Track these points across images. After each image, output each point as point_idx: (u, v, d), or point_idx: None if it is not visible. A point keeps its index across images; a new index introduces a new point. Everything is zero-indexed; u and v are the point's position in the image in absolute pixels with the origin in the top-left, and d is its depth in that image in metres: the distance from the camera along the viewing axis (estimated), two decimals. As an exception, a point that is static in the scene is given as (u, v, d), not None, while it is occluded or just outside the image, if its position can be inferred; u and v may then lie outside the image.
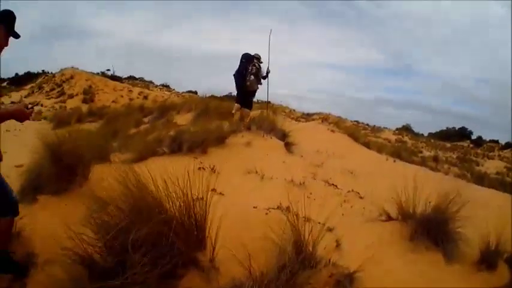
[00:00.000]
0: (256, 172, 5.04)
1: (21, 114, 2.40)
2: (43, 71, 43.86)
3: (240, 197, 4.01)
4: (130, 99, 30.95)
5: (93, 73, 35.52)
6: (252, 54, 8.23)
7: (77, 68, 34.07)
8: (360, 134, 12.87)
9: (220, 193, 3.97)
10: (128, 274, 2.05)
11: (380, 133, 25.79)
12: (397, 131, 29.34)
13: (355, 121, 29.30)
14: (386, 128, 29.41)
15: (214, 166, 4.86)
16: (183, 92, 55.18)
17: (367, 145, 10.93)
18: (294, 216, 3.27)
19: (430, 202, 3.26)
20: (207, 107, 10.78)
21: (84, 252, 2.21)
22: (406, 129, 33.31)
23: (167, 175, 2.59)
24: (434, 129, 38.29)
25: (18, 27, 2.49)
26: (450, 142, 29.24)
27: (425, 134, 36.67)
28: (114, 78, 38.36)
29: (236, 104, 8.59)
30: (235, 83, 8.39)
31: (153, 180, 2.52)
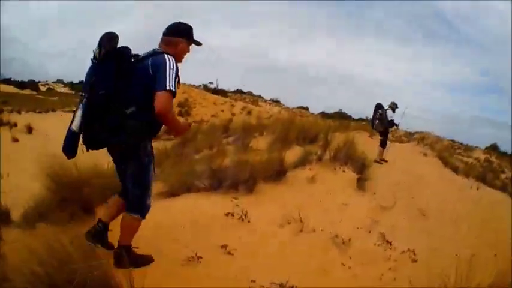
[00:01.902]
0: (301, 221, 4.36)
1: (182, 130, 3.01)
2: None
3: (251, 260, 3.42)
4: (233, 114, 32.01)
5: (192, 85, 37.07)
6: (392, 101, 10.71)
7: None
8: (452, 156, 14.91)
9: (229, 252, 3.44)
10: None
11: (472, 152, 27.43)
12: (486, 150, 32.02)
13: (451, 140, 31.99)
14: (478, 147, 32.32)
15: (246, 212, 4.28)
16: (293, 108, 55.93)
17: (456, 169, 12.03)
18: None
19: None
20: (288, 130, 10.28)
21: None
22: (494, 148, 36.37)
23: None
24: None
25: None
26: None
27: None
28: (217, 91, 40.12)
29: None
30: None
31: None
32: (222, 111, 32.79)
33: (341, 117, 48.00)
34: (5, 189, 6.86)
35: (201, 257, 3.19)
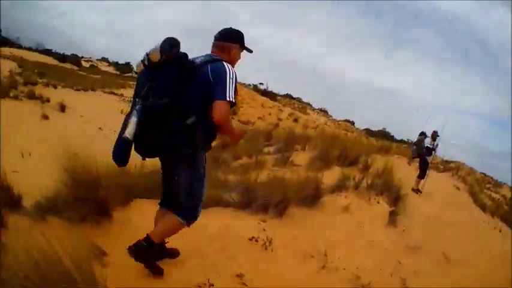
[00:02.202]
0: (325, 255, 4.23)
1: (238, 139, 3.11)
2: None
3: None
4: (279, 119, 31.89)
5: (242, 83, 37.09)
6: (434, 130, 11.51)
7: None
8: (482, 192, 16.03)
9: (244, 283, 3.33)
10: None
11: (500, 188, 27.72)
12: (512, 189, 32.50)
13: (482, 173, 33.19)
14: (506, 183, 32.76)
15: (271, 240, 4.15)
16: (339, 121, 55.26)
17: (484, 207, 12.44)
18: None
19: None
20: (330, 147, 10.11)
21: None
22: (521, 187, 36.72)
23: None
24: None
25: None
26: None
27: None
28: (266, 93, 40.19)
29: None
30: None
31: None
32: (270, 114, 32.72)
33: (384, 136, 48.15)
34: (23, 170, 6.88)
35: (212, 285, 3.11)
